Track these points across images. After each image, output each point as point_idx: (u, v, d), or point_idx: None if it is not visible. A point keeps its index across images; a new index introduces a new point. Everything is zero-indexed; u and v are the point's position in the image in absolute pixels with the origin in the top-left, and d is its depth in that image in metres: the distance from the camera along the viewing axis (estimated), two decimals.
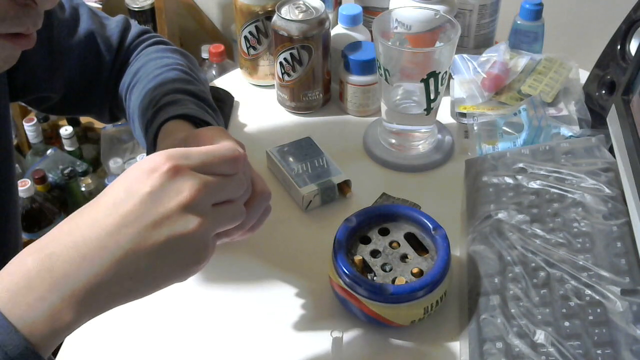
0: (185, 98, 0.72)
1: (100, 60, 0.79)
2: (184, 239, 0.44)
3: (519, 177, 0.72)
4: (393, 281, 0.64)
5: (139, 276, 0.44)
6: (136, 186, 0.45)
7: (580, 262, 0.61)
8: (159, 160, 0.46)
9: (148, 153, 0.70)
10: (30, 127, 1.73)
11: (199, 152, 0.48)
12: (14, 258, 0.45)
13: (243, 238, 0.58)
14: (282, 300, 0.69)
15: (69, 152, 1.75)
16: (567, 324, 0.58)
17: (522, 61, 0.91)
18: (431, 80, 0.77)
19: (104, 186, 1.66)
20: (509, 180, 0.72)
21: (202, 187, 0.46)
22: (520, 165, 0.73)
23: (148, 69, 0.77)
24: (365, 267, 0.66)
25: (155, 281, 0.45)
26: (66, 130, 1.72)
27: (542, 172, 0.71)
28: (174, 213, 0.44)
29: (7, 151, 0.76)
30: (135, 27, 0.83)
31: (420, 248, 0.67)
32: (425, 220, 0.67)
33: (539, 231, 0.66)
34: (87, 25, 0.78)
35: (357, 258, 0.66)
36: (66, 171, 1.61)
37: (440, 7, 0.88)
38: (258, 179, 0.56)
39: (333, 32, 0.94)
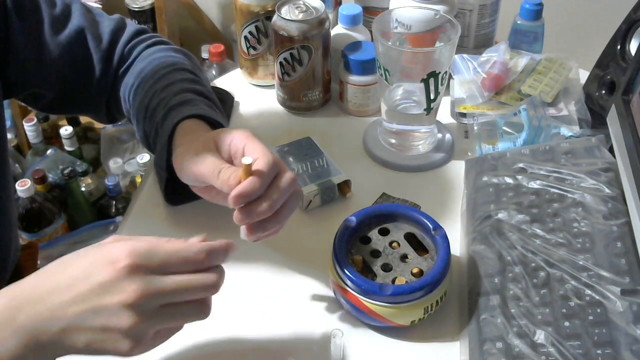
0: (196, 98, 0.73)
1: (89, 58, 0.79)
2: (116, 332, 0.49)
3: (519, 177, 0.72)
4: (393, 281, 0.64)
5: (78, 346, 0.50)
6: (95, 272, 0.50)
7: (580, 262, 0.61)
8: (121, 255, 0.50)
9: (160, 152, 0.71)
10: (30, 127, 1.73)
11: (163, 252, 0.51)
12: None
13: (273, 234, 0.63)
14: (282, 300, 0.69)
15: (69, 152, 1.75)
16: (567, 324, 0.58)
17: (522, 61, 0.91)
18: (431, 80, 0.77)
19: (104, 186, 1.66)
20: (509, 180, 0.72)
21: (147, 291, 0.50)
22: (520, 165, 0.73)
23: (153, 69, 0.77)
24: (365, 267, 0.66)
25: (92, 352, 0.51)
26: (66, 130, 1.72)
27: (542, 172, 0.71)
28: (113, 307, 0.49)
29: (1, 147, 0.76)
30: (130, 26, 0.83)
31: (420, 248, 0.67)
32: (425, 220, 0.67)
33: (539, 231, 0.66)
34: (78, 22, 0.78)
35: (357, 258, 0.66)
36: (66, 171, 1.61)
37: (440, 7, 0.88)
38: (282, 165, 0.61)
39: (333, 32, 0.94)
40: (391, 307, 0.62)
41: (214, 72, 1.69)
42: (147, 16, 1.79)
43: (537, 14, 0.94)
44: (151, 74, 0.76)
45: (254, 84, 1.00)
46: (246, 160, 0.59)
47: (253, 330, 0.66)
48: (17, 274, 0.87)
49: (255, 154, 0.61)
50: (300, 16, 0.87)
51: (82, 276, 0.50)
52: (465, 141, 0.88)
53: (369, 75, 0.89)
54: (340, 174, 0.80)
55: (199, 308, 0.53)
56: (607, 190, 0.67)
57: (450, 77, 0.92)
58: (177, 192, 0.75)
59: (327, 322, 0.67)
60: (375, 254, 0.67)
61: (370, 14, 0.99)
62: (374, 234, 0.68)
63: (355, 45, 0.91)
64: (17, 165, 1.81)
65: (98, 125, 1.86)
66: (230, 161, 0.64)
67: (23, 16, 0.75)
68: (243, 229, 0.62)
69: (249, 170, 0.59)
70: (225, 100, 0.94)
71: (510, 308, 0.60)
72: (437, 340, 0.65)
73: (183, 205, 0.78)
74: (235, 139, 0.63)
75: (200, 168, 0.63)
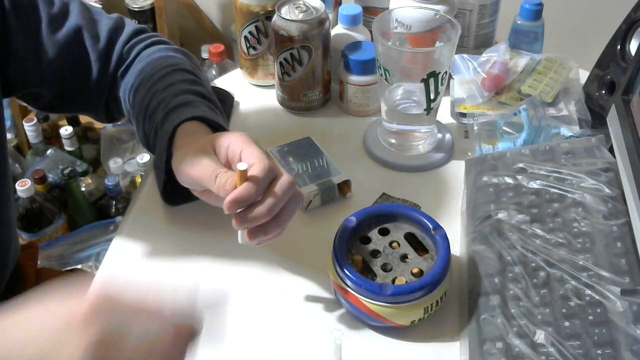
0: (196, 99, 0.73)
1: (87, 57, 0.79)
2: None
3: (519, 177, 0.72)
4: (393, 281, 0.64)
5: None
6: (60, 317, 0.47)
7: (580, 262, 0.61)
8: (88, 304, 0.47)
9: (160, 154, 0.71)
10: (30, 127, 1.73)
11: (129, 306, 0.48)
12: None
13: (274, 238, 0.62)
14: (282, 300, 0.69)
15: (69, 152, 1.75)
16: (567, 324, 0.58)
17: (522, 61, 0.91)
18: (431, 80, 0.77)
19: (104, 186, 1.66)
20: (509, 180, 0.72)
21: (105, 342, 0.46)
22: (520, 165, 0.73)
23: (153, 70, 0.77)
24: (365, 267, 0.66)
25: None
26: (66, 130, 1.72)
27: (542, 172, 0.71)
28: (72, 351, 0.46)
29: (0, 147, 0.76)
30: (129, 25, 0.83)
31: (420, 248, 0.67)
32: (425, 220, 0.67)
33: (539, 231, 0.66)
34: (75, 21, 0.78)
35: (357, 258, 0.66)
36: (66, 171, 1.61)
37: (440, 7, 0.88)
38: (280, 168, 0.61)
39: (333, 32, 0.94)
40: (391, 307, 0.62)
41: (214, 72, 1.69)
42: (147, 16, 1.79)
43: (537, 14, 0.94)
44: (151, 74, 0.76)
45: (254, 84, 1.00)
46: (241, 166, 0.59)
47: (253, 330, 0.66)
48: (17, 274, 0.87)
49: (252, 159, 0.61)
50: (300, 16, 0.87)
51: (45, 323, 0.48)
52: (465, 141, 0.88)
53: (369, 75, 0.89)
54: (340, 174, 0.80)
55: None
56: (607, 190, 0.67)
57: (450, 77, 0.92)
58: (176, 194, 0.75)
59: (327, 322, 0.67)
60: (375, 254, 0.67)
61: (370, 14, 0.99)
62: (374, 234, 0.68)
63: (355, 45, 0.91)
64: (17, 165, 1.81)
65: (98, 125, 1.86)
66: (228, 165, 0.64)
67: (21, 15, 0.75)
68: (241, 233, 0.63)
69: (244, 176, 0.59)
70: (225, 101, 0.94)
71: (510, 308, 0.60)
72: (437, 340, 0.65)
73: (183, 205, 0.78)
74: (233, 143, 0.63)
75: (197, 172, 0.63)
